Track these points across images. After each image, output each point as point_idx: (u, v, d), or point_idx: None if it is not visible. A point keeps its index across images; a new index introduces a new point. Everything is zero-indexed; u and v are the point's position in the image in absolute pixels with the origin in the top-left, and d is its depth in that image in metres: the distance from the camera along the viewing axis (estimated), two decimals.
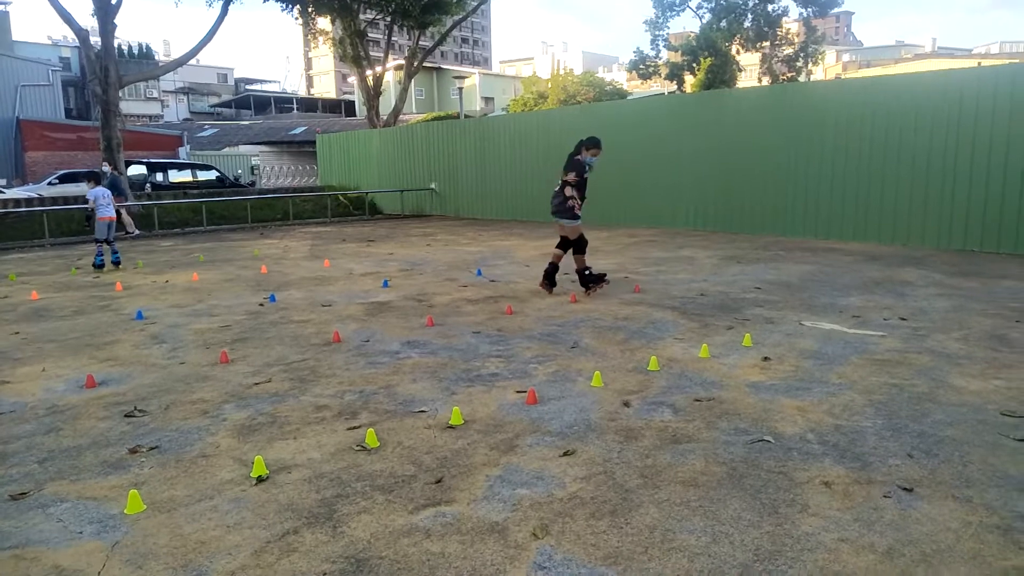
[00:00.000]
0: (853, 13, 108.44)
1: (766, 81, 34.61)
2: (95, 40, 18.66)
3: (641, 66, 34.65)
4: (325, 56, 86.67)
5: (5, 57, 33.83)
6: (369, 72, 27.22)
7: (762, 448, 3.84)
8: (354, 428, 4.26)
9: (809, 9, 34.63)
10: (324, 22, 29.35)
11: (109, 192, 11.66)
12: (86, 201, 11.57)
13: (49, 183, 22.96)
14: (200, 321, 7.35)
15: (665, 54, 35.12)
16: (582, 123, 17.83)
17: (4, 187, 23.65)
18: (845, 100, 12.88)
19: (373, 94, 27.20)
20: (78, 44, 19.78)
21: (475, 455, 3.84)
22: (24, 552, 2.96)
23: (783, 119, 13.70)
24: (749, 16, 33.60)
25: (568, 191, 7.75)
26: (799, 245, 12.31)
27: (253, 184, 31.04)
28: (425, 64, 43.29)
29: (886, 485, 3.39)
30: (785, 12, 34.26)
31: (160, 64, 42.91)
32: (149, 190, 22.72)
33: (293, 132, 42.13)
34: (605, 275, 8.44)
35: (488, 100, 59.70)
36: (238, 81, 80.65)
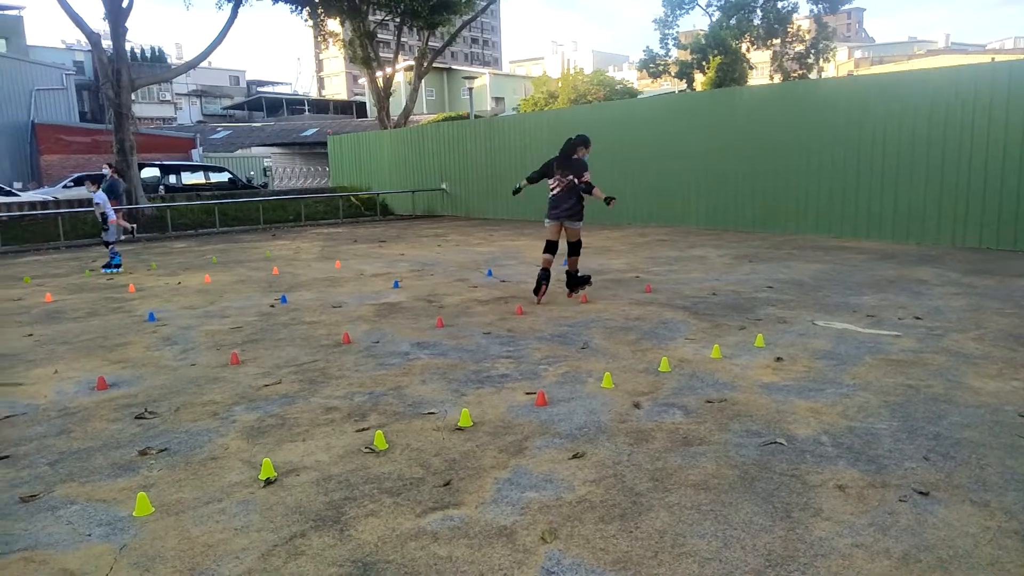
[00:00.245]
0: (864, 9, 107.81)
1: (777, 79, 34.39)
2: (107, 44, 18.77)
3: (651, 65, 34.54)
4: (336, 58, 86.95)
5: (19, 61, 34.15)
6: (379, 73, 27.26)
7: (775, 450, 3.79)
8: (363, 430, 4.24)
9: (820, 6, 34.41)
10: (334, 24, 29.41)
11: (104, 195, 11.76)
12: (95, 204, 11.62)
13: (64, 186, 23.14)
14: (211, 323, 7.37)
15: (675, 53, 34.98)
16: (592, 122, 17.79)
17: (20, 190, 23.86)
18: (857, 97, 12.76)
19: (383, 95, 27.23)
20: (90, 48, 19.90)
21: (484, 457, 3.81)
22: (33, 555, 2.96)
23: (794, 116, 13.60)
24: (759, 13, 33.40)
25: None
26: (812, 243, 12.20)
27: (265, 186, 31.18)
28: (435, 65, 43.35)
29: (902, 489, 3.33)
30: (795, 9, 34.06)
31: (172, 67, 43.22)
32: (162, 192, 22.86)
33: (305, 134, 42.27)
34: (590, 276, 8.47)
35: (499, 100, 59.68)
36: (250, 83, 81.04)
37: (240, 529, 3.13)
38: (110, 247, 11.57)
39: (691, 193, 15.53)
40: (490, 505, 3.29)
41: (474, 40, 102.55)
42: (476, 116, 29.06)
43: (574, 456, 3.79)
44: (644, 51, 35.09)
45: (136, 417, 4.58)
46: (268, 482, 3.58)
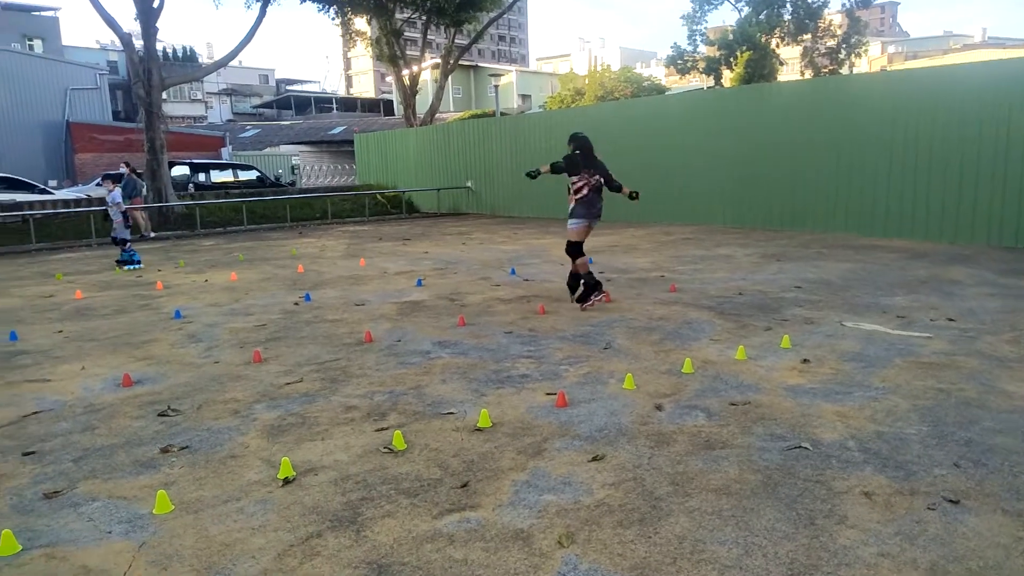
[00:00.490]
0: (899, 3, 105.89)
1: (808, 74, 33.87)
2: (138, 44, 19.04)
3: (679, 61, 34.22)
4: (364, 56, 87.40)
5: (55, 61, 34.82)
6: (405, 71, 27.35)
7: (799, 455, 3.71)
8: (382, 429, 4.23)
9: (852, 0, 33.81)
10: (361, 22, 29.56)
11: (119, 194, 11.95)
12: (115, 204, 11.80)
13: (97, 184, 23.54)
14: (236, 320, 7.43)
15: (703, 49, 34.62)
16: (619, 119, 17.69)
17: (54, 188, 24.31)
18: (889, 92, 12.52)
19: (409, 93, 27.32)
20: (123, 48, 20.20)
21: (502, 459, 3.78)
22: (54, 551, 2.99)
23: (824, 113, 13.36)
24: (789, 8, 32.91)
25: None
26: (841, 242, 11.99)
27: (293, 184, 31.45)
28: (462, 62, 43.40)
29: (930, 496, 3.24)
30: (826, 3, 33.47)
31: (202, 66, 43.79)
32: (192, 190, 23.15)
33: (332, 132, 42.55)
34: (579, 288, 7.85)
35: (525, 97, 59.58)
36: (279, 82, 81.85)
37: (257, 528, 3.14)
38: (126, 244, 11.75)
39: (718, 191, 15.35)
40: (507, 507, 3.25)
41: (501, 38, 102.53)
42: (502, 114, 29.03)
43: (593, 458, 3.74)
44: (672, 47, 34.79)
45: (159, 414, 4.62)
46: (286, 481, 3.58)
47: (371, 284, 9.41)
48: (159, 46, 19.19)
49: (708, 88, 30.64)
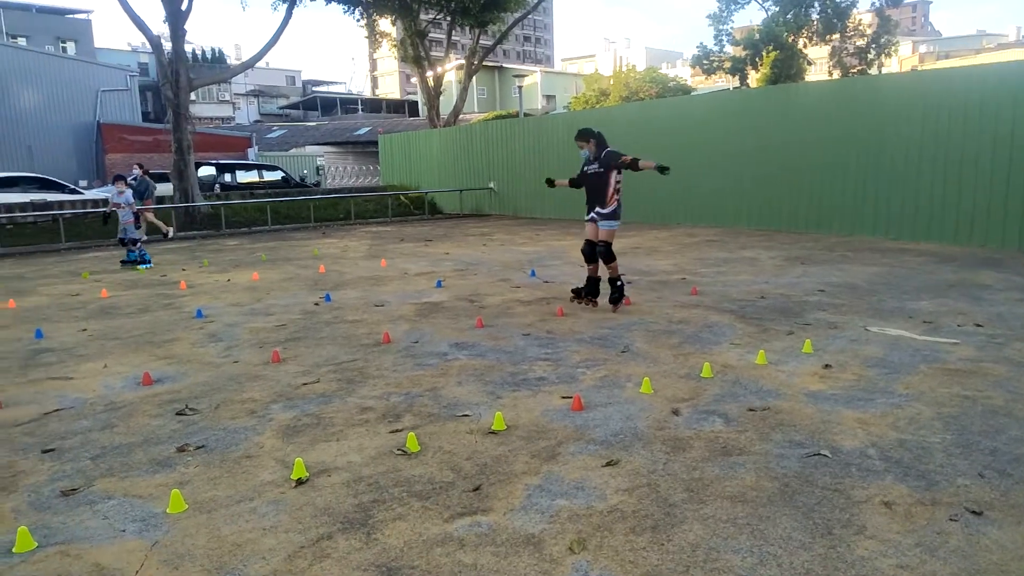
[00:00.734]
0: (931, 2, 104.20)
1: (836, 75, 33.43)
2: (167, 46, 19.30)
3: (704, 61, 33.95)
4: (389, 57, 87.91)
5: (86, 64, 35.45)
6: (430, 72, 27.44)
7: (818, 463, 3.64)
8: (396, 431, 4.23)
9: None
10: (386, 23, 29.71)
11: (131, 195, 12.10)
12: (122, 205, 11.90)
13: (110, 184, 23.89)
14: (256, 320, 7.48)
15: (729, 49, 34.30)
16: (643, 120, 17.59)
17: (84, 188, 24.74)
18: (919, 92, 12.29)
19: (433, 94, 27.41)
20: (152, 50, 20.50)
21: (515, 462, 3.75)
22: (68, 549, 3.02)
23: (852, 113, 13.17)
24: (817, 8, 32.48)
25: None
26: (868, 245, 11.80)
27: (318, 184, 31.71)
28: (487, 63, 43.43)
29: (953, 507, 3.15)
30: (855, 3, 32.99)
31: (230, 68, 44.28)
32: (218, 190, 23.43)
33: (358, 133, 42.87)
34: (582, 292, 7.73)
35: (550, 98, 59.53)
36: (306, 83, 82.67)
37: (269, 529, 3.14)
38: (137, 244, 11.89)
39: (743, 192, 15.20)
40: (519, 512, 3.23)
41: (526, 38, 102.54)
42: (526, 114, 29.01)
43: (608, 463, 3.70)
44: (698, 47, 34.53)
45: (177, 413, 4.66)
46: (300, 482, 3.59)
47: (391, 285, 9.44)
48: (188, 48, 19.46)
49: (734, 88, 30.37)
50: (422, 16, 27.40)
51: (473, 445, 4.00)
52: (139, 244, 12.01)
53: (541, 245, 13.58)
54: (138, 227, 12.05)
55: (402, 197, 22.92)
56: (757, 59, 31.81)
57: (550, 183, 7.94)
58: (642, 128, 17.21)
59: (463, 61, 29.40)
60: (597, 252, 7.35)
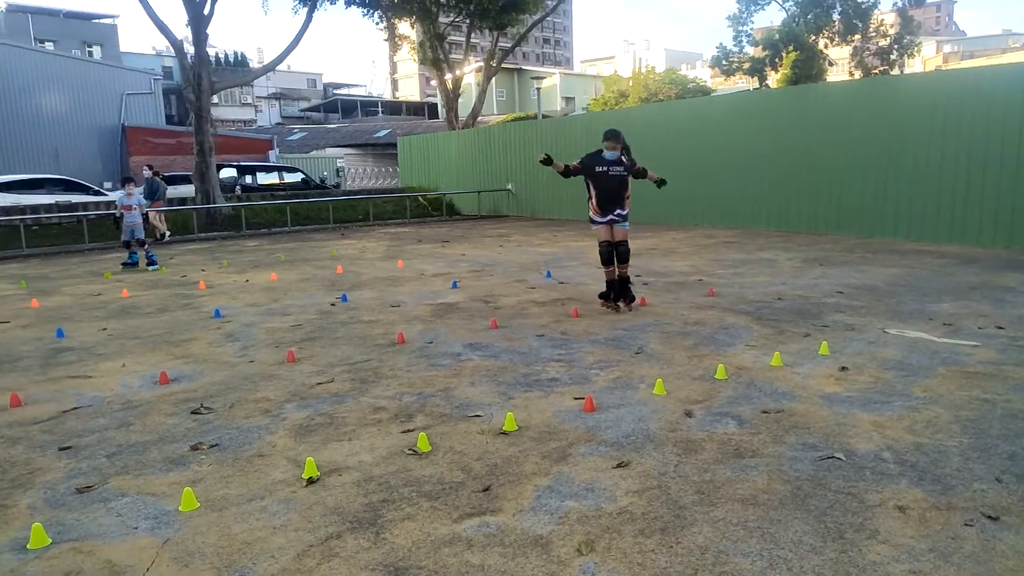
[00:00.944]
0: (956, 1, 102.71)
1: (857, 75, 33.04)
2: (189, 49, 19.54)
3: (724, 62, 33.68)
4: (409, 60, 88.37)
5: (112, 68, 35.98)
6: (448, 75, 27.52)
7: (831, 466, 3.60)
8: (408, 431, 4.24)
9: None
10: (405, 27, 29.85)
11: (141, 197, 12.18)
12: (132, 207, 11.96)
13: (117, 187, 24.19)
14: (273, 320, 7.54)
15: (749, 50, 34.01)
16: (661, 121, 17.51)
17: (108, 190, 25.09)
18: (941, 92, 12.12)
19: (452, 96, 27.49)
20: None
21: (526, 463, 3.74)
22: (81, 545, 3.06)
23: (872, 114, 13.01)
24: (838, 8, 32.10)
25: (590, 199, 7.39)
26: (888, 247, 11.66)
27: (337, 186, 31.91)
28: (506, 65, 43.48)
29: (968, 512, 3.10)
30: (876, 3, 32.56)
31: (251, 71, 44.69)
32: (239, 192, 23.65)
33: (377, 135, 43.07)
34: (611, 296, 7.50)
35: (569, 100, 59.50)
36: (327, 86, 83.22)
37: (278, 528, 3.16)
38: (145, 246, 11.96)
39: (761, 194, 15.07)
40: (528, 513, 3.22)
41: (546, 40, 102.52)
42: (544, 116, 29.00)
43: (618, 465, 3.68)
44: (717, 48, 34.27)
45: (192, 412, 4.70)
46: (311, 481, 3.60)
47: (408, 286, 9.47)
48: (211, 52, 19.68)
49: (754, 90, 30.14)
50: (441, 19, 27.49)
51: (484, 446, 4.00)
52: (147, 245, 12.08)
53: (558, 246, 13.56)
54: (119, 228, 12.04)
55: (420, 198, 22.99)
56: (777, 60, 31.50)
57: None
58: (661, 129, 17.14)
59: (482, 64, 29.46)
60: (621, 252, 7.29)
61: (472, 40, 28.28)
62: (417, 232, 17.88)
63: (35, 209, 17.75)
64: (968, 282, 8.41)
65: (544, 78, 53.96)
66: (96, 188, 22.04)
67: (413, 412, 4.58)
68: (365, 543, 3.01)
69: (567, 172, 7.48)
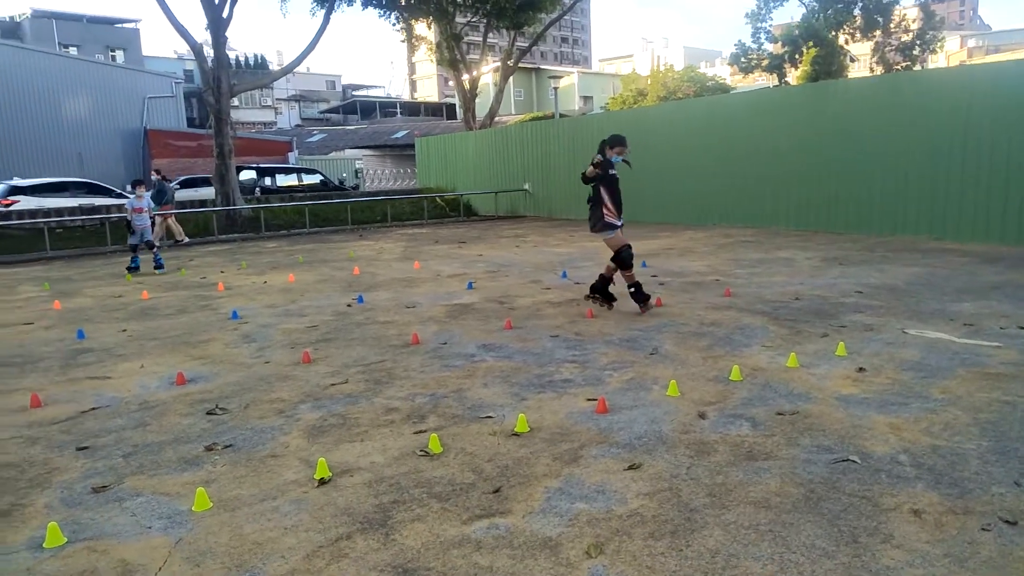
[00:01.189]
0: None
1: (879, 71, 32.66)
2: (209, 53, 19.72)
3: (742, 59, 33.45)
4: (427, 60, 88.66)
5: (134, 71, 36.46)
6: (466, 76, 27.56)
7: (846, 469, 3.55)
8: (420, 432, 4.24)
9: None
10: (422, 27, 29.93)
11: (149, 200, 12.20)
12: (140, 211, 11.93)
13: (129, 190, 24.46)
14: (290, 321, 7.59)
15: (768, 47, 33.73)
16: (678, 119, 17.42)
17: (129, 192, 25.38)
18: (964, 87, 11.93)
19: (469, 96, 27.52)
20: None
21: (537, 465, 3.74)
22: (96, 544, 3.10)
23: (893, 110, 12.85)
24: (859, 3, 31.75)
25: (590, 170, 6.96)
26: (909, 246, 11.50)
27: (356, 187, 32.08)
28: (524, 65, 43.44)
29: (986, 516, 3.05)
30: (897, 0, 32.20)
31: (269, 73, 45.03)
32: (258, 194, 23.85)
33: (395, 136, 43.25)
34: (649, 297, 7.32)
35: (587, 99, 59.31)
36: (346, 88, 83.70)
37: (289, 528, 3.18)
38: (153, 249, 11.96)
39: (780, 192, 14.93)
40: (538, 515, 3.21)
41: (563, 40, 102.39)
42: (562, 115, 28.94)
43: (630, 467, 3.67)
44: (736, 45, 34.04)
45: (208, 413, 4.74)
46: (322, 482, 3.62)
47: (423, 287, 9.49)
48: (231, 55, 19.86)
49: (773, 87, 29.89)
50: (458, 19, 27.54)
51: (495, 447, 3.99)
52: (156, 249, 12.10)
53: (574, 247, 13.53)
54: (131, 232, 11.92)
55: (438, 199, 23.05)
56: (797, 56, 31.23)
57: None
58: (679, 128, 17.05)
59: (499, 64, 29.48)
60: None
61: (489, 40, 28.28)
62: (434, 233, 17.93)
63: (59, 212, 18.04)
64: (990, 281, 8.28)
65: (562, 77, 53.85)
66: (119, 191, 22.32)
67: (425, 413, 4.59)
68: (375, 544, 3.02)
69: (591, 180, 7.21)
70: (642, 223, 17.00)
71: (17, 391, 5.38)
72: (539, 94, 60.82)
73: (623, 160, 7.22)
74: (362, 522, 3.21)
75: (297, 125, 64.51)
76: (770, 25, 33.85)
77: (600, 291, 7.48)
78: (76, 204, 19.03)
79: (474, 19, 27.90)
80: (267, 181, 25.31)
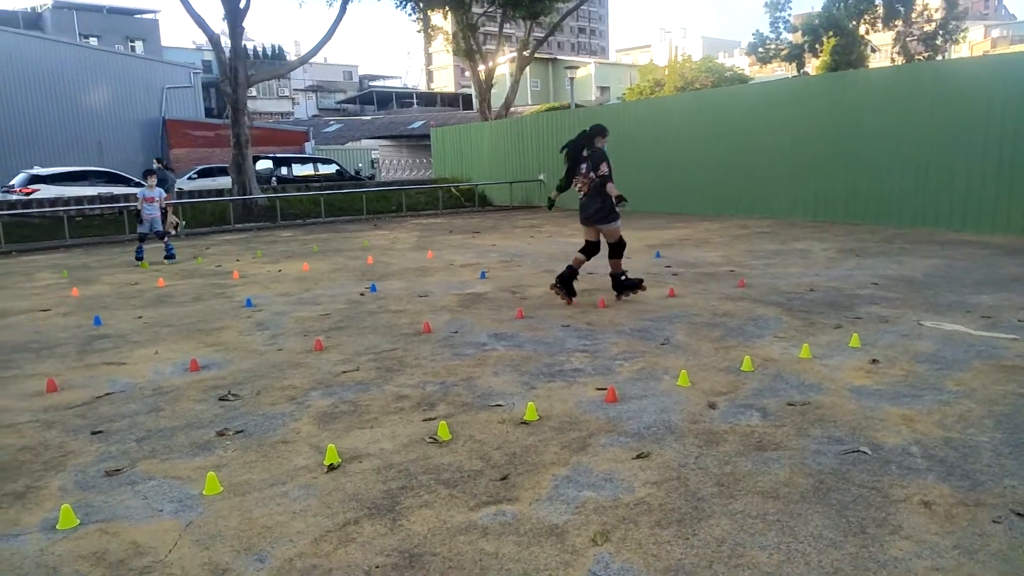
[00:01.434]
0: None
1: (900, 62, 32.21)
2: (226, 43, 19.80)
3: (760, 49, 33.11)
4: (444, 51, 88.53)
5: (153, 62, 36.70)
6: (482, 66, 27.50)
7: (856, 460, 3.52)
8: (430, 419, 4.26)
9: None
10: (438, 18, 29.88)
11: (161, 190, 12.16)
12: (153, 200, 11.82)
13: (189, 178, 24.70)
14: (303, 309, 7.63)
15: (787, 36, 33.35)
16: (695, 110, 17.30)
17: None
18: (985, 78, 11.76)
19: (485, 87, 27.47)
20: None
21: (545, 453, 3.74)
22: (108, 527, 3.14)
23: (914, 101, 12.68)
24: None
25: (611, 188, 6.95)
26: (928, 237, 11.36)
27: (372, 177, 32.15)
28: (540, 55, 43.24)
29: (997, 509, 3.02)
30: None
31: (285, 63, 45.15)
32: (274, 183, 23.97)
33: (412, 126, 43.25)
34: (642, 280, 7.57)
35: (604, 90, 58.99)
36: (362, 78, 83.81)
37: (298, 513, 3.20)
38: (164, 239, 11.93)
39: (797, 183, 14.80)
40: (544, 502, 3.22)
41: (581, 30, 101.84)
42: (578, 106, 28.82)
43: (638, 456, 3.66)
44: (753, 35, 33.69)
45: (220, 399, 4.79)
46: (331, 468, 3.65)
47: (436, 276, 9.51)
48: (249, 45, 19.97)
49: (792, 77, 29.57)
50: (475, 9, 27.46)
51: (504, 435, 4.00)
52: (166, 238, 12.05)
53: None
54: (140, 221, 11.85)
55: (453, 189, 23.06)
56: (817, 45, 30.87)
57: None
58: (694, 118, 16.93)
59: (515, 54, 29.37)
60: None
61: (506, 30, 28.20)
62: (449, 223, 17.94)
63: (78, 200, 18.22)
64: (1010, 273, 8.16)
65: (578, 68, 53.47)
66: (137, 180, 22.51)
67: (435, 401, 4.60)
68: (382, 529, 3.04)
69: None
70: (658, 214, 16.93)
71: (34, 376, 5.45)
72: (555, 84, 60.56)
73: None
74: (370, 508, 3.23)
75: (314, 115, 64.65)
76: (789, 14, 33.48)
77: (566, 283, 7.30)
78: (95, 193, 19.22)
79: (490, 9, 27.81)
80: (283, 171, 25.43)
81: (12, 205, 17.55)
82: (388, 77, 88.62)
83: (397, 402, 4.61)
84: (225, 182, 21.89)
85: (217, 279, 9.94)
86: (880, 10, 31.77)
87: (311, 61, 24.81)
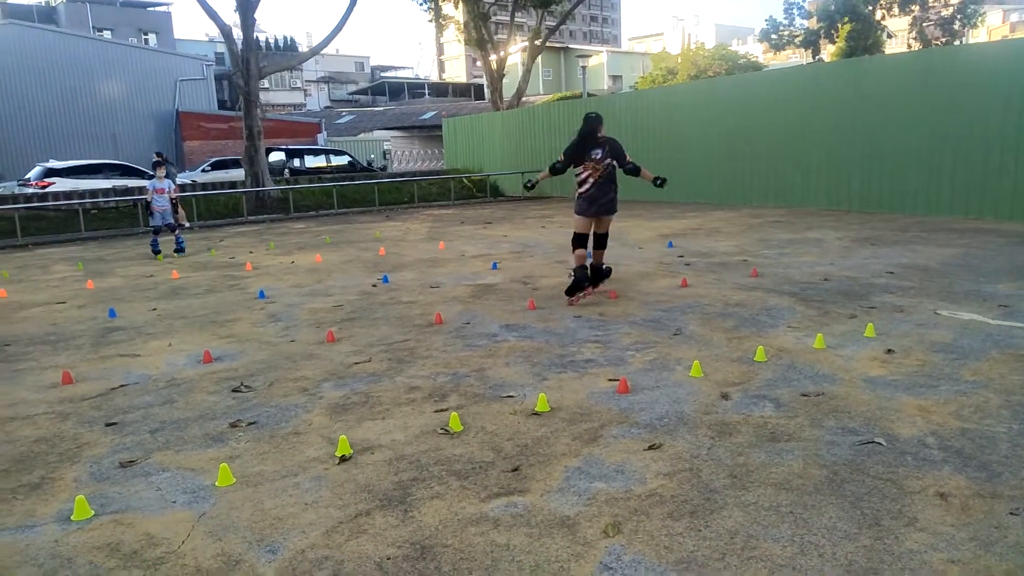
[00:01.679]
0: None
1: (917, 47, 31.79)
2: (238, 35, 19.81)
3: (773, 36, 32.77)
4: (455, 41, 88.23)
5: (166, 54, 36.85)
6: (493, 56, 27.39)
7: (871, 451, 3.49)
8: (441, 411, 4.26)
9: None
10: (449, 7, 29.77)
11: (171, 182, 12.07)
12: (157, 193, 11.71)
13: (203, 170, 24.81)
14: (316, 301, 7.65)
15: (802, 23, 32.97)
16: (707, 99, 17.15)
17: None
18: (1003, 63, 11.56)
19: (496, 76, 27.36)
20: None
21: (556, 444, 3.73)
22: (122, 518, 3.16)
23: (930, 87, 12.50)
24: None
25: (646, 172, 6.93)
26: (944, 225, 11.23)
27: (384, 168, 32.16)
28: (552, 44, 43.03)
29: (1015, 500, 2.98)
30: None
31: (297, 55, 45.15)
32: (287, 175, 24.02)
33: (423, 117, 43.17)
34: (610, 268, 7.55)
35: (616, 78, 58.69)
36: (374, 69, 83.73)
37: (310, 504, 3.21)
38: (175, 231, 11.83)
39: (812, 171, 14.66)
40: (556, 494, 3.21)
41: (593, 18, 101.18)
42: (590, 95, 28.65)
43: (650, 447, 3.64)
44: (767, 21, 33.35)
45: (233, 390, 4.81)
46: (343, 459, 3.65)
47: (448, 267, 9.50)
48: (261, 37, 19.97)
49: (806, 64, 29.26)
50: None
51: (515, 426, 3.99)
52: (177, 231, 11.96)
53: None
54: (151, 214, 11.79)
55: (465, 180, 23.03)
56: (833, 31, 30.51)
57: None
58: (707, 107, 16.79)
59: (527, 43, 29.23)
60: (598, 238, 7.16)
61: (517, 19, 28.05)
62: (460, 214, 17.93)
63: (93, 193, 18.35)
64: None
65: (590, 56, 53.16)
66: (151, 172, 22.65)
67: (447, 392, 4.60)
68: (394, 520, 3.04)
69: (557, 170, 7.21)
70: (670, 203, 16.83)
71: (50, 368, 5.50)
72: (567, 73, 60.30)
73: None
74: (381, 499, 3.23)
75: (326, 107, 64.75)
76: (804, 1, 33.10)
77: (594, 280, 7.19)
78: (110, 186, 19.36)
79: None
80: (296, 162, 25.48)
81: (28, 198, 17.71)
82: (400, 68, 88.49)
83: (409, 393, 4.61)
84: (238, 174, 21.96)
85: (230, 271, 9.98)
86: None
87: (323, 52, 24.84)
